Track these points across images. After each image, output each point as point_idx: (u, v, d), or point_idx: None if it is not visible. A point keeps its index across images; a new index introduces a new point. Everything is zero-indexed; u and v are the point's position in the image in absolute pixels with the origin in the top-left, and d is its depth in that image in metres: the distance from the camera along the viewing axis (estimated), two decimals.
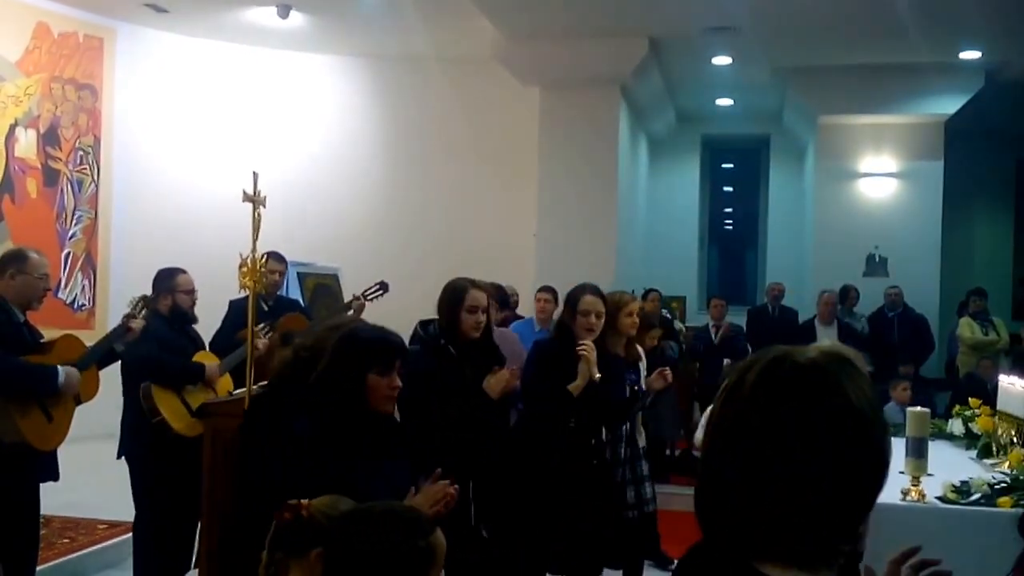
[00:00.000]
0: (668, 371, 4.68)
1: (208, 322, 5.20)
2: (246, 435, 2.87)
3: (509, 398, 3.96)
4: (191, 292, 4.83)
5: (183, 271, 4.86)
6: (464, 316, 3.69)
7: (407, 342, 3.79)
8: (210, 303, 5.32)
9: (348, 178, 10.54)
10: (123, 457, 4.67)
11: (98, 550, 5.40)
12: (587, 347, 3.99)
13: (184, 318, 4.81)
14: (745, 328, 9.28)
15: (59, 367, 3.96)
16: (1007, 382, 4.63)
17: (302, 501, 1.76)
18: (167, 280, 4.79)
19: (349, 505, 1.79)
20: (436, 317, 3.87)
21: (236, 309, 5.57)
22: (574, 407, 4.02)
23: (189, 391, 4.63)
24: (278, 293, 5.95)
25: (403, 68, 10.40)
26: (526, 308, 7.81)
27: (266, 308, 5.47)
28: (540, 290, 6.81)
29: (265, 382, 4.33)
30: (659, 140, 12.49)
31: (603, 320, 4.13)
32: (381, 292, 5.57)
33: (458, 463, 2.79)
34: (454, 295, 3.73)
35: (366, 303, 5.56)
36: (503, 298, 5.27)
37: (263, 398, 2.94)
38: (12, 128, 8.57)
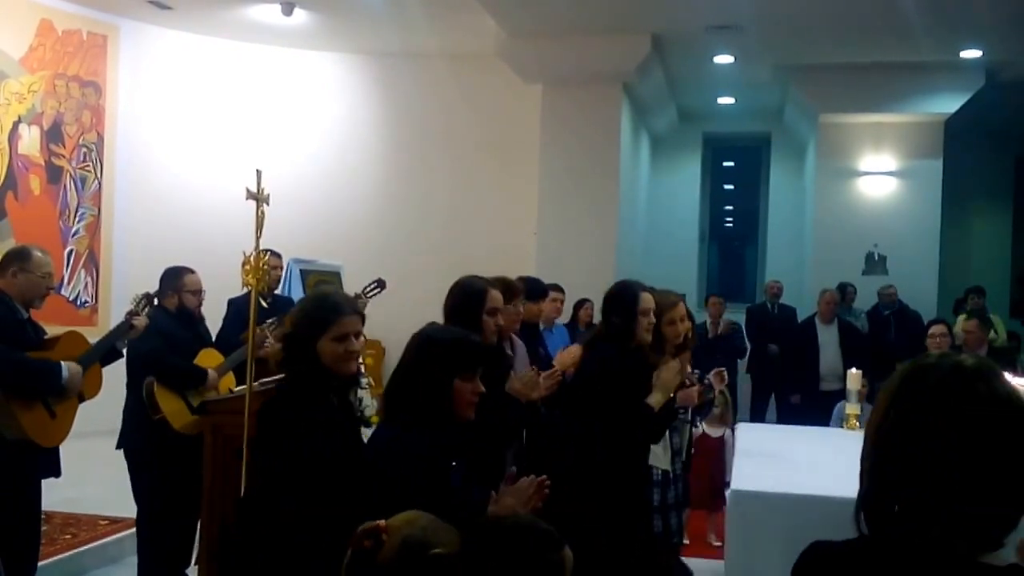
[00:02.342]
0: (724, 371, 4.62)
1: (210, 319, 5.21)
2: (279, 443, 2.60)
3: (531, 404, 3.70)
4: (198, 292, 4.83)
5: (191, 271, 4.86)
6: (485, 319, 3.42)
7: None
8: (213, 300, 5.34)
9: (350, 175, 10.56)
10: (121, 449, 4.68)
11: (99, 546, 5.41)
12: (677, 363, 3.76)
13: (190, 318, 4.83)
14: (744, 326, 9.31)
15: (62, 363, 3.96)
16: None
17: (380, 523, 1.67)
18: (174, 279, 4.79)
19: (429, 521, 1.69)
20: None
21: (237, 307, 5.61)
22: (655, 425, 3.75)
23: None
24: (275, 292, 5.99)
25: (406, 65, 10.41)
26: None
27: (265, 305, 5.49)
28: (552, 288, 6.80)
29: (268, 379, 4.38)
30: (661, 138, 12.51)
31: None
32: (379, 289, 5.59)
33: (490, 475, 2.69)
34: (473, 297, 3.44)
35: (367, 301, 5.58)
36: (539, 290, 5.06)
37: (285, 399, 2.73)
38: (16, 125, 8.59)
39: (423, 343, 2.58)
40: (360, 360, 5.45)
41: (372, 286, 5.59)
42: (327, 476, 2.49)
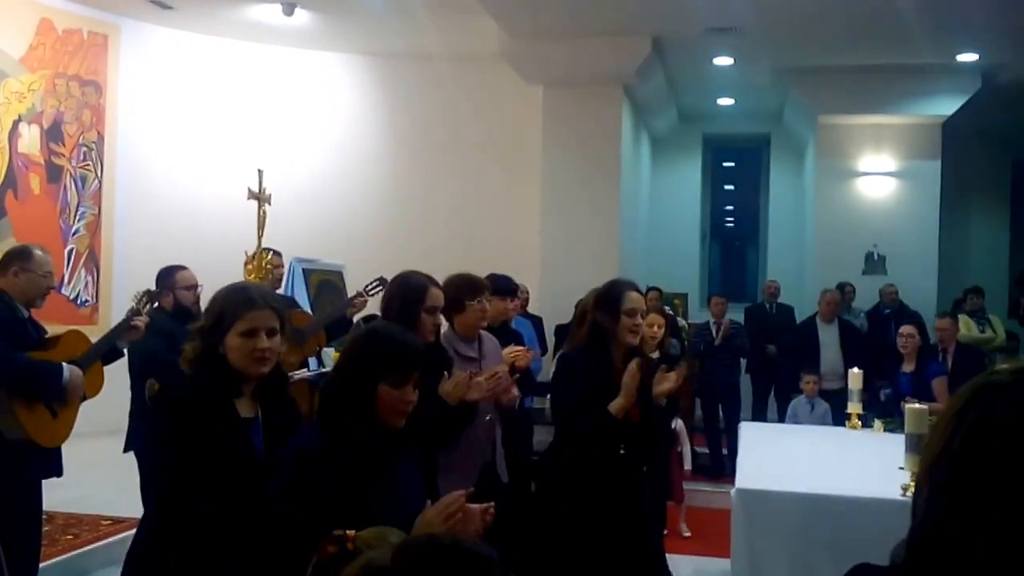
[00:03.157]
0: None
1: None
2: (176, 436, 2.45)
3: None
4: (192, 288, 4.84)
5: (183, 267, 4.88)
6: (424, 317, 3.31)
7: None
8: None
9: (352, 174, 10.56)
10: (130, 452, 4.70)
11: (101, 547, 5.37)
12: (634, 364, 3.56)
13: (187, 314, 4.82)
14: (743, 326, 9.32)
15: (64, 365, 3.95)
16: None
17: (348, 532, 1.59)
18: (167, 277, 4.81)
19: (399, 537, 1.60)
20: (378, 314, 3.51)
21: None
22: (622, 431, 3.59)
23: None
24: (277, 291, 6.00)
25: (407, 65, 10.42)
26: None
27: None
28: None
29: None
30: (661, 139, 12.53)
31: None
32: (381, 288, 5.61)
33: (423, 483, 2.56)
34: (412, 292, 3.35)
35: (368, 299, 5.61)
36: (506, 287, 4.91)
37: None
38: (16, 124, 8.59)
39: (357, 343, 2.44)
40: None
41: (375, 284, 5.61)
42: (244, 475, 2.41)
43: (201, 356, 2.52)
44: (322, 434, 2.31)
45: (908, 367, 6.26)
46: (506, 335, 4.60)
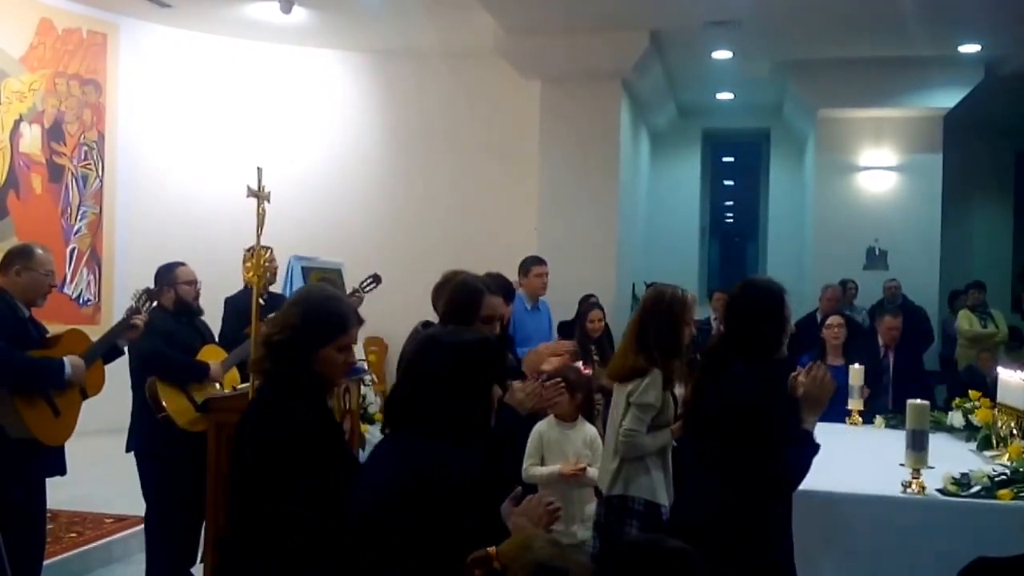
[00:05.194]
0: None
1: (211, 318, 5.22)
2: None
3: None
4: (192, 283, 4.85)
5: (182, 263, 4.88)
6: (479, 327, 3.17)
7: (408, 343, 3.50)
8: (214, 298, 5.35)
9: (350, 172, 10.56)
10: (132, 452, 4.71)
11: (104, 544, 5.41)
12: (823, 371, 3.14)
13: (189, 310, 4.83)
14: None
15: (65, 359, 3.96)
16: (1007, 374, 4.65)
17: (489, 550, 1.60)
18: (167, 274, 4.81)
19: (542, 542, 1.61)
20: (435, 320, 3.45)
21: (234, 305, 5.61)
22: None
23: (194, 386, 4.66)
24: (271, 289, 6.00)
25: (405, 62, 10.41)
26: None
27: (262, 302, 5.48)
28: (537, 263, 6.72)
29: None
30: (660, 133, 12.52)
31: None
32: (375, 284, 5.62)
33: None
34: (471, 299, 3.27)
35: (363, 297, 5.60)
36: (509, 290, 4.58)
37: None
38: (17, 124, 8.59)
39: (464, 352, 2.32)
40: (363, 357, 5.41)
41: (368, 281, 5.61)
42: (341, 479, 2.44)
43: (291, 366, 2.50)
44: (476, 454, 2.25)
45: (835, 360, 5.80)
46: (503, 340, 4.54)
